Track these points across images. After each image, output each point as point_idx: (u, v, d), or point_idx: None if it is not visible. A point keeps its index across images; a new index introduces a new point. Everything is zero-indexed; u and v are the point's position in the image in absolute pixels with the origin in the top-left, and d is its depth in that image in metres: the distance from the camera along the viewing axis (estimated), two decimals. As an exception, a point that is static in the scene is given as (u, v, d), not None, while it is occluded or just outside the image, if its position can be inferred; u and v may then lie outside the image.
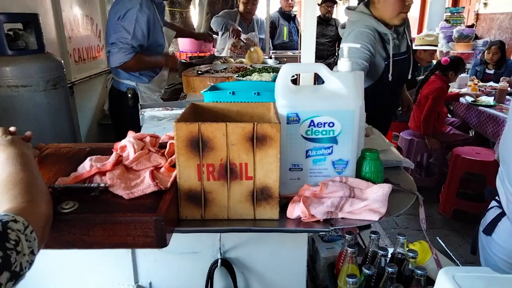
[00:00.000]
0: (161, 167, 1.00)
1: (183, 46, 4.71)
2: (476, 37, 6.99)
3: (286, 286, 1.34)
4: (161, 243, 0.83)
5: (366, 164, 1.08)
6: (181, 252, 1.28)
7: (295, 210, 0.96)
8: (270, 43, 4.91)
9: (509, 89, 3.92)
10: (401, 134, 4.08)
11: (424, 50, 4.02)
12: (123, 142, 1.06)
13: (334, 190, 0.99)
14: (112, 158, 0.98)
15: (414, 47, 3.64)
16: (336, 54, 5.86)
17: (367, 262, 1.27)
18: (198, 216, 0.97)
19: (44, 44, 1.94)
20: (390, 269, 1.11)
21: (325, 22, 5.53)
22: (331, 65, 5.74)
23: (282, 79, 1.01)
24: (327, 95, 0.99)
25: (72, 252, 1.21)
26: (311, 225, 0.97)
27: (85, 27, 3.34)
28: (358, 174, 1.09)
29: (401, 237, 1.28)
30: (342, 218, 0.98)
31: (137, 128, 1.56)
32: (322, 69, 1.00)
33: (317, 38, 5.13)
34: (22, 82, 1.79)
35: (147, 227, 0.82)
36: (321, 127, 1.00)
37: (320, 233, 1.44)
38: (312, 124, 1.00)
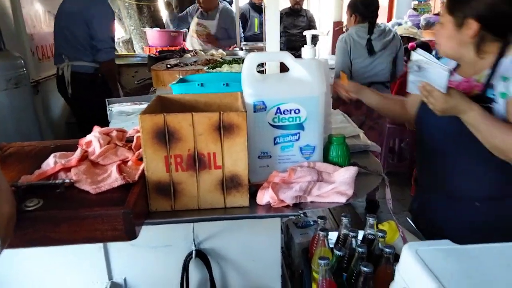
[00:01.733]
0: (128, 160, 0.99)
1: (153, 41, 4.63)
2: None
3: (262, 273, 1.35)
4: (130, 235, 0.83)
5: (333, 149, 1.10)
6: (155, 246, 1.27)
7: (265, 196, 0.97)
8: (242, 35, 4.90)
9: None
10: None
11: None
12: (88, 137, 1.05)
13: (302, 175, 1.01)
14: (77, 153, 0.96)
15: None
16: None
17: (339, 244, 1.31)
18: (168, 207, 0.97)
19: (4, 41, 1.87)
20: (360, 249, 1.14)
21: (295, 13, 5.55)
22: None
23: (247, 69, 1.02)
24: (292, 83, 1.01)
25: (43, 252, 1.19)
26: (281, 210, 0.99)
27: (48, 23, 3.23)
28: (326, 159, 1.11)
29: (370, 218, 1.31)
30: (311, 202, 1.00)
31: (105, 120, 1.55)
32: (287, 57, 1.02)
33: (288, 29, 5.13)
34: (-19, 82, 1.73)
35: (115, 221, 0.81)
36: (287, 114, 1.01)
37: (291, 217, 1.46)
38: (278, 111, 1.01)
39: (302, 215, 0.97)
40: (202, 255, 1.27)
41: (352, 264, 1.19)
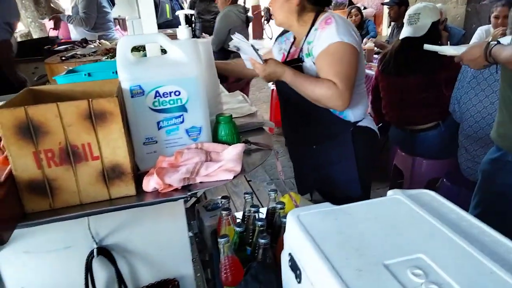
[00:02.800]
0: (-6, 161, 0.91)
1: (54, 33, 4.27)
2: (350, 3, 7.58)
3: (172, 261, 1.34)
4: (-3, 241, 0.77)
5: (221, 128, 1.11)
6: (52, 250, 1.19)
7: (150, 183, 0.95)
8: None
9: (375, 48, 4.35)
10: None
11: None
12: None
13: (190, 157, 1.01)
14: None
15: None
16: None
17: (244, 221, 1.34)
18: (47, 206, 0.91)
19: None
20: (259, 223, 1.18)
21: None
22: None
23: (121, 52, 0.98)
24: (169, 64, 0.99)
25: None
26: (170, 194, 0.98)
27: None
28: (215, 139, 1.12)
29: (272, 193, 1.37)
30: (200, 182, 1.01)
31: None
32: (161, 39, 0.99)
33: (202, 14, 5.03)
34: None
35: (-25, 227, 0.74)
36: (167, 97, 1.00)
37: (179, 199, 1.46)
38: (158, 94, 0.99)
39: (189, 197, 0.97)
40: (105, 252, 1.22)
41: (254, 238, 1.23)
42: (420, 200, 0.97)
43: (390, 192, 1.00)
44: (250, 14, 4.28)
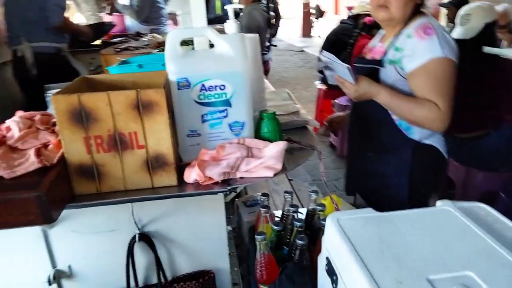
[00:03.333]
0: (49, 144, 0.96)
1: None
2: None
3: (209, 253, 1.36)
4: (47, 219, 0.81)
5: (264, 125, 1.10)
6: (99, 231, 1.25)
7: (191, 174, 0.97)
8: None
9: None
10: (336, 100, 4.20)
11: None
12: (7, 122, 1.01)
13: (231, 152, 1.01)
14: (-7, 139, 0.93)
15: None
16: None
17: (283, 221, 1.33)
18: (94, 190, 0.95)
19: None
20: (297, 223, 1.16)
21: None
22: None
23: (170, 45, 1.00)
24: (215, 58, 1.00)
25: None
26: (210, 187, 0.99)
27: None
28: (258, 135, 1.11)
29: (313, 193, 1.34)
30: (240, 177, 1.01)
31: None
32: (209, 32, 1.00)
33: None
34: None
35: (29, 205, 0.79)
36: (212, 90, 1.00)
37: (219, 192, 1.47)
38: (203, 88, 1.00)
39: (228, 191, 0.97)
40: (146, 238, 1.26)
41: (291, 238, 1.21)
42: (472, 214, 0.91)
43: (439, 203, 0.95)
44: (272, 12, 4.29)
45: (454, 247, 0.78)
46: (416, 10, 1.34)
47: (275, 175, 1.00)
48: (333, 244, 0.86)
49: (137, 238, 1.24)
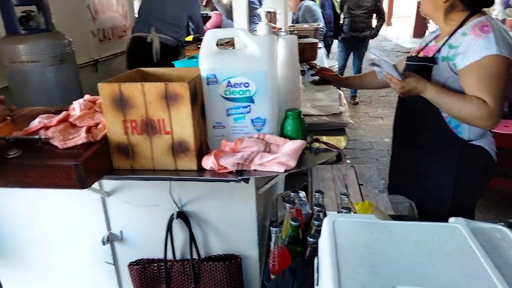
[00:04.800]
0: (100, 124, 1.15)
1: (210, 24, 4.84)
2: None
3: (240, 240, 1.45)
4: (81, 185, 0.98)
5: (288, 123, 1.15)
6: (145, 205, 1.44)
7: (208, 162, 1.06)
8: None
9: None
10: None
11: None
12: (74, 102, 1.23)
13: (248, 145, 1.08)
14: (60, 116, 1.15)
15: None
16: (373, 27, 5.64)
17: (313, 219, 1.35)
18: (128, 166, 1.11)
19: (53, 23, 2.17)
20: (316, 222, 1.19)
21: None
22: (367, 38, 5.55)
23: (205, 44, 1.11)
24: (243, 57, 1.07)
25: (53, 202, 1.42)
26: (225, 175, 1.07)
27: (110, 8, 3.59)
28: (282, 132, 1.16)
29: (344, 197, 1.35)
30: (254, 170, 1.07)
31: None
32: (241, 33, 1.08)
33: (352, 9, 4.98)
34: (32, 58, 2.04)
35: (69, 171, 0.97)
36: (237, 87, 1.08)
37: (231, 181, 1.51)
38: (229, 84, 1.08)
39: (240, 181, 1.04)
40: (183, 217, 1.40)
41: (308, 235, 1.24)
42: (486, 236, 0.85)
43: (452, 220, 0.90)
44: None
45: (442, 265, 0.75)
46: (476, 11, 1.33)
47: (286, 171, 1.04)
48: (323, 244, 0.88)
49: (175, 216, 1.39)
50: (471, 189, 1.46)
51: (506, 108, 3.97)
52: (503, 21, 6.38)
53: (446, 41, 1.35)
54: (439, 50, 1.36)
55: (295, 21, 5.04)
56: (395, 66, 1.25)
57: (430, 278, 0.70)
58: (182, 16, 3.18)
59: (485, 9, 1.37)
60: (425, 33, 12.48)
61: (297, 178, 3.58)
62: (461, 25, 1.32)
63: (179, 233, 1.46)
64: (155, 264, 1.39)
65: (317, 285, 0.86)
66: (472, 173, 1.44)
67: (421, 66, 1.39)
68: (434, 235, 0.84)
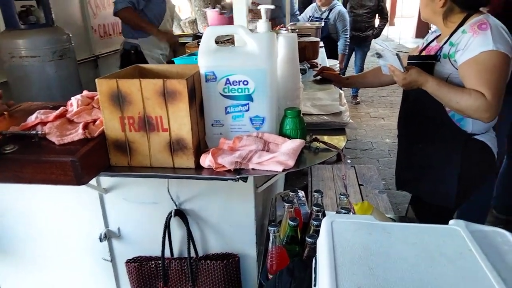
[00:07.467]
0: (97, 120, 1.14)
1: (212, 21, 4.81)
2: None
3: (238, 239, 1.44)
4: (78, 181, 0.97)
5: (286, 122, 1.13)
6: (143, 202, 1.43)
7: (206, 160, 1.05)
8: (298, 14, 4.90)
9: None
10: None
11: None
12: (72, 98, 1.22)
13: (247, 144, 1.07)
14: (57, 112, 1.14)
15: None
16: (375, 26, 5.62)
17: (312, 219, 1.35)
18: (125, 163, 1.10)
19: (53, 18, 2.16)
20: (314, 222, 1.18)
21: None
22: (369, 38, 5.52)
23: (204, 41, 1.09)
24: (242, 55, 1.06)
25: (50, 199, 1.42)
26: (223, 174, 1.06)
27: (111, 3, 3.57)
28: (281, 131, 1.15)
29: (343, 197, 1.34)
30: (252, 169, 1.06)
31: None
32: (240, 31, 1.07)
33: (354, 9, 4.97)
34: (31, 53, 2.03)
35: (66, 167, 0.96)
36: (236, 85, 1.07)
37: (228, 179, 1.49)
38: (228, 82, 1.07)
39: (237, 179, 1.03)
40: (181, 215, 1.40)
41: (306, 235, 1.23)
42: (486, 239, 0.83)
43: (452, 222, 0.88)
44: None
45: (440, 268, 0.73)
46: (474, 10, 1.39)
47: (284, 170, 1.03)
48: (320, 244, 0.87)
49: (173, 213, 1.38)
50: (472, 183, 1.51)
51: None
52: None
53: (447, 39, 1.40)
54: (440, 49, 1.42)
55: (319, 19, 4.72)
56: (398, 56, 1.29)
57: (428, 281, 0.69)
58: None
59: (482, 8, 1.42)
60: (427, 32, 12.42)
61: (297, 177, 3.58)
62: (461, 24, 1.38)
63: (177, 231, 1.45)
64: (153, 262, 1.38)
65: (315, 285, 0.85)
66: (474, 167, 1.48)
67: (424, 63, 1.42)
68: (433, 238, 0.83)
